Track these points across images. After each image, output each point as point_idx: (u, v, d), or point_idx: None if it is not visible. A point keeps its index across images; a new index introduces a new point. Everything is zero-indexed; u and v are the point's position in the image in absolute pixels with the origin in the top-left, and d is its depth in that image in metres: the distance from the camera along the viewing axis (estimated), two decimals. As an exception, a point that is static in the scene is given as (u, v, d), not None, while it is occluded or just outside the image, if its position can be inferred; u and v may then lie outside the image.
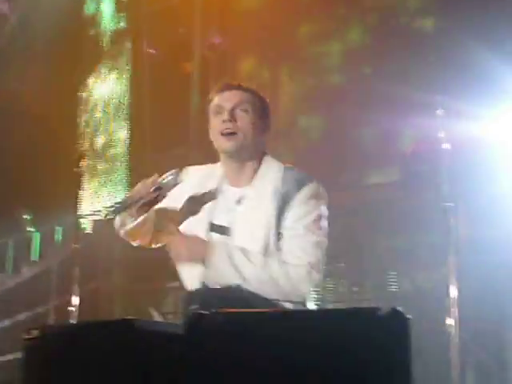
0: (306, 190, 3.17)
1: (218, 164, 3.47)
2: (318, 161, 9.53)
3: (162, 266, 10.33)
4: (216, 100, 3.29)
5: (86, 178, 11.57)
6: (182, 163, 12.30)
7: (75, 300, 6.52)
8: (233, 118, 3.20)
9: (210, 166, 3.52)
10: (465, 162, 7.56)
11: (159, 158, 12.04)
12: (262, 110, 3.32)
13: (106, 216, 3.15)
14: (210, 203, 3.31)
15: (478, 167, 7.90)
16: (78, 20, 13.44)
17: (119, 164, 12.53)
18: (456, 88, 7.59)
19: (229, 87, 3.30)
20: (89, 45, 13.37)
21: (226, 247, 3.06)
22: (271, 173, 3.25)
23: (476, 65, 8.32)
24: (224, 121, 3.22)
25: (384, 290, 9.20)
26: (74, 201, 6.70)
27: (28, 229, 12.42)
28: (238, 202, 3.24)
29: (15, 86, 13.19)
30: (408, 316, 2.31)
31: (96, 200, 12.59)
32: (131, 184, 12.25)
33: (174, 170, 3.38)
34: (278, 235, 3.15)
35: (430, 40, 9.44)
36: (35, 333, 2.61)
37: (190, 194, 3.40)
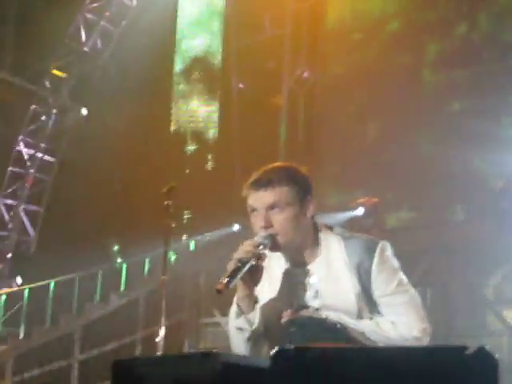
0: (381, 249, 3.06)
1: None
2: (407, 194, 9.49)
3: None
4: (250, 200, 3.03)
5: (174, 210, 11.71)
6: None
7: (161, 331, 6.56)
8: (268, 223, 2.99)
9: None
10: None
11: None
12: (302, 193, 3.05)
13: (222, 287, 2.97)
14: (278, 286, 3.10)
15: None
16: (169, 56, 13.69)
17: (207, 195, 12.65)
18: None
19: (259, 185, 3.02)
20: (179, 81, 13.60)
21: None
22: (333, 242, 3.09)
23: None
24: (261, 227, 3.01)
25: (474, 327, 9.05)
26: (163, 232, 6.76)
27: (117, 259, 12.63)
28: (309, 284, 3.06)
29: (110, 121, 13.49)
30: (496, 355, 2.24)
31: (185, 232, 12.71)
32: (218, 216, 12.35)
33: (266, 234, 3.17)
34: (372, 304, 3.05)
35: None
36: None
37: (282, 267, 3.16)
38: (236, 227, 11.46)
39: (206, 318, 10.96)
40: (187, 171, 12.99)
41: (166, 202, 6.46)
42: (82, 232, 12.44)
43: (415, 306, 3.06)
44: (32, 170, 14.32)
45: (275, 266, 3.12)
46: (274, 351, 2.30)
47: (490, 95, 9.51)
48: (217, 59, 13.23)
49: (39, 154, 14.36)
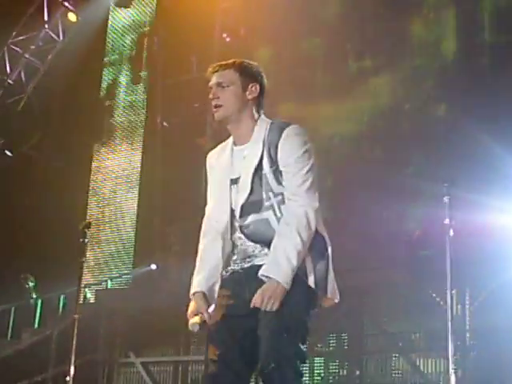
0: (287, 131, 3.80)
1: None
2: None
3: (169, 338, 10.31)
4: (210, 83, 3.89)
5: (91, 248, 11.60)
6: (188, 237, 12.26)
7: (71, 370, 6.46)
8: (215, 95, 3.83)
9: (225, 142, 4.04)
10: (471, 248, 7.56)
11: (168, 230, 12.06)
12: (247, 79, 3.92)
13: None
14: (227, 164, 3.91)
15: (483, 254, 7.90)
16: (95, 89, 13.61)
17: (126, 235, 12.55)
18: (463, 177, 7.65)
19: (214, 70, 3.91)
20: (104, 115, 13.53)
21: None
22: (262, 129, 3.85)
23: (483, 155, 8.41)
24: (210, 99, 3.84)
25: (385, 375, 9.12)
26: (78, 270, 6.69)
27: (32, 296, 12.39)
28: (244, 157, 3.86)
29: (30, 152, 13.34)
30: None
31: (101, 270, 12.58)
32: (137, 255, 12.25)
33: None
34: (276, 172, 3.78)
35: (440, 129, 9.54)
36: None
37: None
38: (153, 266, 11.36)
39: (121, 358, 10.79)
40: (109, 209, 12.86)
41: (81, 239, 6.42)
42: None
43: (312, 175, 3.77)
44: None
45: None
46: None
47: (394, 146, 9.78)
48: (142, 97, 13.20)
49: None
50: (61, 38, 13.75)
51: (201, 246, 3.94)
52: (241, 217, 3.79)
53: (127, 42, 13.62)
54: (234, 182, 3.88)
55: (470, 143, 8.65)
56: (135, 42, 13.52)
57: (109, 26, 13.70)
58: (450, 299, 6.06)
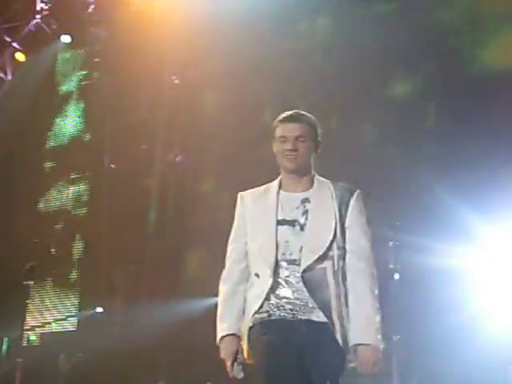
0: (358, 194, 4.13)
1: (275, 181, 4.27)
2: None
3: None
4: (280, 131, 4.17)
5: (36, 290, 11.43)
6: (136, 280, 12.11)
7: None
8: (295, 147, 4.09)
9: (264, 185, 4.31)
10: (414, 293, 7.62)
11: (113, 272, 11.96)
12: (317, 136, 4.20)
13: None
14: (271, 206, 4.13)
15: (429, 298, 7.96)
16: (42, 133, 13.52)
17: (71, 278, 12.41)
18: (409, 222, 7.73)
19: (291, 120, 4.16)
20: (50, 155, 13.41)
21: None
22: (324, 182, 4.18)
23: (430, 200, 8.51)
24: (290, 150, 4.10)
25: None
26: (22, 313, 6.61)
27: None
28: (303, 201, 4.10)
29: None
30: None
31: (45, 313, 12.40)
32: (82, 298, 12.11)
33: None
34: (343, 227, 4.05)
35: (387, 174, 9.63)
36: None
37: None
38: (99, 309, 11.24)
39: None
40: (53, 250, 12.71)
41: (25, 282, 6.35)
42: None
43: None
44: None
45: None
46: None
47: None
48: (89, 137, 13.14)
49: None
50: (9, 77, 13.68)
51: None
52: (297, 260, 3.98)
53: (74, 83, 13.57)
54: (286, 223, 4.06)
55: (416, 187, 8.74)
56: (81, 85, 13.47)
57: (58, 66, 13.65)
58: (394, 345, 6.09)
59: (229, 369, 3.95)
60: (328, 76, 10.64)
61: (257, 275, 4.04)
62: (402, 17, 10.40)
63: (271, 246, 3.96)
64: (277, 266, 3.94)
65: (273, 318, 3.91)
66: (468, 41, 9.91)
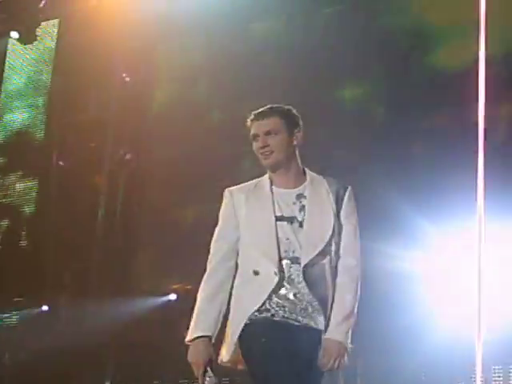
0: (350, 191, 4.15)
1: (264, 177, 4.21)
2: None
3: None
4: (252, 130, 4.12)
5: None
6: (83, 278, 12.00)
7: None
8: (265, 143, 4.06)
9: (252, 181, 4.24)
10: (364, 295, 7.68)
11: (60, 271, 11.86)
12: (292, 126, 4.13)
13: None
14: (267, 202, 4.08)
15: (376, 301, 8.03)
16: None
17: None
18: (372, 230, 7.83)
19: (259, 116, 4.11)
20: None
21: None
22: (316, 177, 4.17)
23: (386, 207, 8.62)
24: (261, 147, 4.07)
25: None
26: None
27: None
28: (299, 197, 4.06)
29: None
30: None
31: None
32: (28, 296, 11.97)
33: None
34: (339, 223, 4.06)
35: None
36: None
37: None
38: (45, 307, 11.16)
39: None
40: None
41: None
42: None
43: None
44: None
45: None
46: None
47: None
48: (39, 135, 13.01)
49: None
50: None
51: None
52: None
53: (23, 80, 13.43)
54: (284, 219, 4.02)
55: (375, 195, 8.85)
56: (32, 81, 13.33)
57: (6, 62, 13.49)
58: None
59: (199, 379, 3.76)
60: (277, 77, 10.68)
61: (256, 272, 3.89)
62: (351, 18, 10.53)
63: (273, 243, 3.92)
64: (280, 263, 3.88)
65: (276, 318, 3.83)
66: (417, 44, 10.03)
